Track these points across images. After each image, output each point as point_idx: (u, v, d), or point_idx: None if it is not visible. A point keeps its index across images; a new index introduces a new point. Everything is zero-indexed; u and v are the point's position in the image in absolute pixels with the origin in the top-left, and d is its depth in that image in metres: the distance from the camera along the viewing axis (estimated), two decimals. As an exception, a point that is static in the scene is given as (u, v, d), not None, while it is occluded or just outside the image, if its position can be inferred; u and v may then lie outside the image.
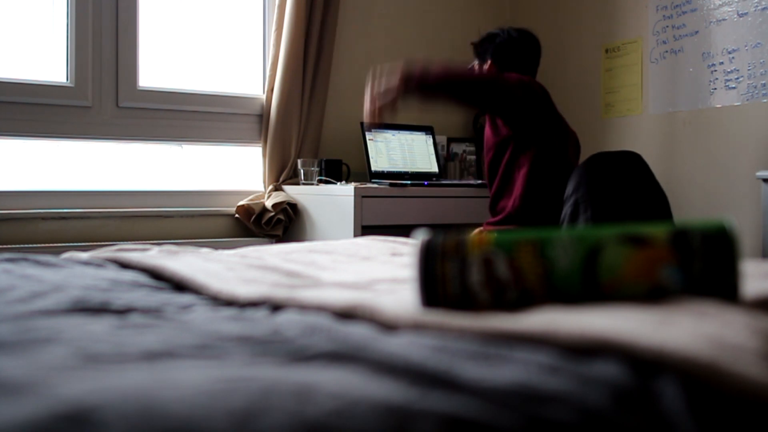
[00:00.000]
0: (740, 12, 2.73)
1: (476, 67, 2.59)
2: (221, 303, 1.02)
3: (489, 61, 2.53)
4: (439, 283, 0.78)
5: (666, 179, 2.97)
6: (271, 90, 3.03)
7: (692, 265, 0.74)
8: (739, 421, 0.56)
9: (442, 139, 3.36)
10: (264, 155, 3.05)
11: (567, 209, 2.07)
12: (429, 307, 0.78)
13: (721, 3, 2.79)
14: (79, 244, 2.54)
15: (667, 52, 3.00)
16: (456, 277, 0.77)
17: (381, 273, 1.19)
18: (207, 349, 0.70)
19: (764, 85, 2.65)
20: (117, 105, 2.80)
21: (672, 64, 2.98)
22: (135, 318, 0.89)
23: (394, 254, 1.53)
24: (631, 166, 2.19)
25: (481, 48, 2.57)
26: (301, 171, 2.93)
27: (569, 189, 2.08)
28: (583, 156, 2.57)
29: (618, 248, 0.75)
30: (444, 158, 3.36)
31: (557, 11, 3.47)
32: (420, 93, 2.15)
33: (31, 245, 2.52)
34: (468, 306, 0.77)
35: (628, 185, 2.12)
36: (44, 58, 2.74)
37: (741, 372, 0.57)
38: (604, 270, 0.75)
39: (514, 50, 2.51)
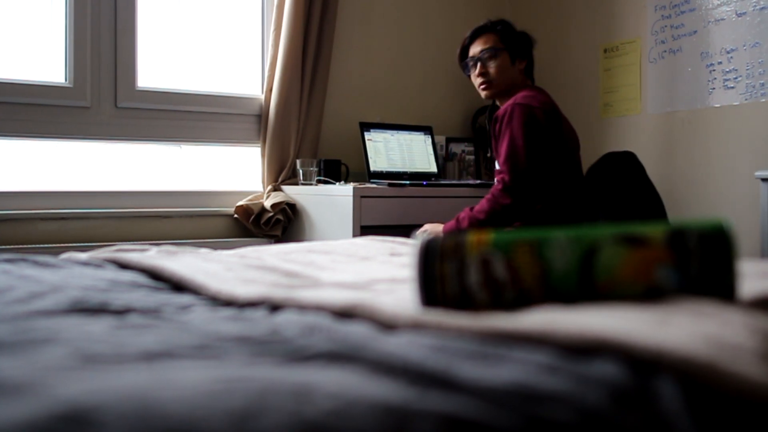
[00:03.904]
0: (739, 12, 2.73)
1: (502, 63, 2.52)
2: (220, 303, 1.02)
3: (525, 63, 2.56)
4: (438, 283, 0.78)
5: (665, 179, 2.97)
6: (270, 90, 3.02)
7: (689, 265, 0.74)
8: (738, 421, 0.56)
9: (441, 139, 3.36)
10: (263, 155, 3.05)
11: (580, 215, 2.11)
12: (428, 307, 0.79)
13: (719, 3, 2.79)
14: (78, 244, 2.54)
15: (665, 51, 3.00)
16: (454, 277, 0.77)
17: (380, 273, 1.19)
18: (206, 349, 0.70)
19: (763, 84, 2.65)
20: (115, 105, 2.79)
21: (671, 63, 2.98)
22: (134, 318, 0.88)
23: (393, 254, 1.53)
24: (628, 167, 2.21)
25: (516, 42, 2.54)
26: (300, 171, 2.93)
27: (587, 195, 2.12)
28: (584, 155, 2.57)
29: (614, 248, 0.75)
30: (443, 158, 3.36)
31: (556, 11, 3.47)
32: None
33: (29, 245, 2.52)
34: (467, 306, 0.77)
35: (624, 187, 2.14)
36: (43, 58, 2.74)
37: (739, 372, 0.57)
38: (601, 270, 0.75)
39: (530, 47, 2.56)
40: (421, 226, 2.52)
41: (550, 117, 2.39)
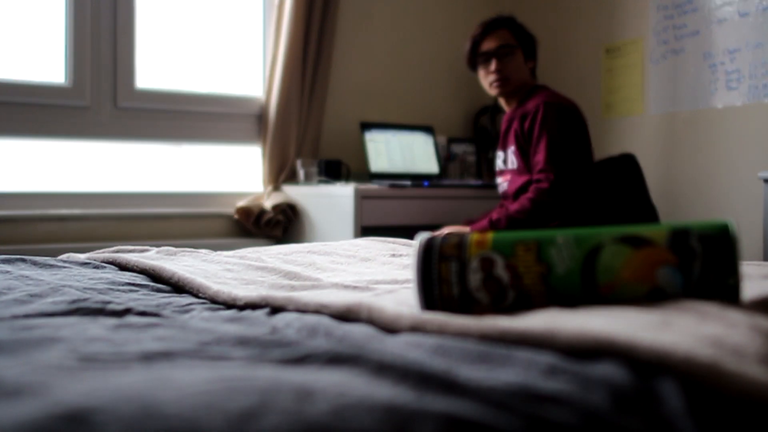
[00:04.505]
0: (741, 12, 2.73)
1: (517, 61, 2.49)
2: (220, 304, 1.01)
3: (533, 63, 2.54)
4: (437, 284, 0.77)
5: (667, 180, 2.96)
6: (270, 90, 3.02)
7: (692, 266, 0.73)
8: (740, 423, 0.56)
9: (442, 140, 3.36)
10: (263, 156, 3.05)
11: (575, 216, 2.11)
12: (428, 309, 0.78)
13: (722, 3, 2.79)
14: (77, 245, 2.53)
15: (668, 52, 2.99)
16: (455, 278, 0.77)
17: (380, 274, 1.19)
18: (206, 350, 0.70)
19: (765, 85, 2.65)
20: (115, 105, 2.79)
21: (673, 64, 2.97)
22: (133, 319, 0.88)
23: (393, 255, 1.53)
24: (625, 171, 2.22)
25: (527, 40, 2.52)
26: (301, 171, 2.92)
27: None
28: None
29: (616, 248, 0.74)
30: (444, 159, 3.35)
31: (558, 11, 3.46)
32: None
33: (29, 246, 2.52)
34: (467, 307, 0.76)
35: (615, 193, 2.16)
36: (43, 58, 2.74)
37: (742, 373, 0.56)
38: (603, 272, 0.74)
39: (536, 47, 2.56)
40: (422, 227, 2.50)
41: (580, 116, 2.42)
